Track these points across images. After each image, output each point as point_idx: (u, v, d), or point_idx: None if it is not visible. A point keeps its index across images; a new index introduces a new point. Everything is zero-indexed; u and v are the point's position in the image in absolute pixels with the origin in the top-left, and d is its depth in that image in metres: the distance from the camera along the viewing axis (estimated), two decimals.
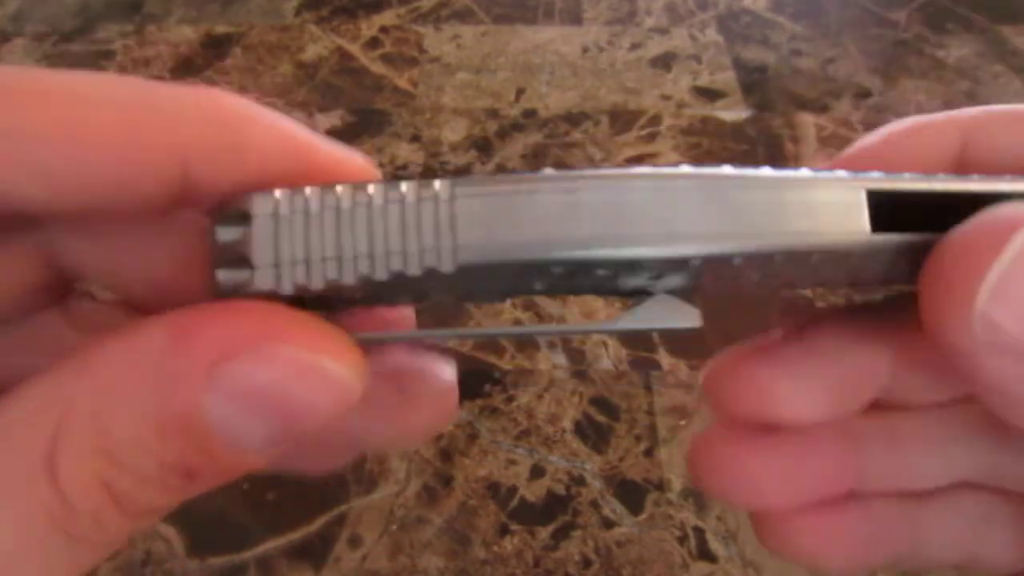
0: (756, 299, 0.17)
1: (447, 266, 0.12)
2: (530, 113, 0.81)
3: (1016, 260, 0.11)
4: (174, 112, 0.12)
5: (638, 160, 0.76)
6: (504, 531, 0.51)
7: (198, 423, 0.11)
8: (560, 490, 0.53)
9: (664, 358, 0.60)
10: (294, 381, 0.11)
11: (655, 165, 0.13)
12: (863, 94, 0.84)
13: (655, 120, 0.81)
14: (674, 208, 0.12)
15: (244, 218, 0.12)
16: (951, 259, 0.12)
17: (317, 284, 0.12)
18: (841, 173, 0.13)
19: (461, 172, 0.75)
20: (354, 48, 0.90)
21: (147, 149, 0.12)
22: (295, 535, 0.51)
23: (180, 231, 0.14)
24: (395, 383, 0.15)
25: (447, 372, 0.15)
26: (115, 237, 0.14)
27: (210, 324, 0.11)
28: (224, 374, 0.11)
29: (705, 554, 0.50)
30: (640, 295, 0.13)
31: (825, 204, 0.12)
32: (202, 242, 0.13)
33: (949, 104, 0.83)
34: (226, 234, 0.12)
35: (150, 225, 0.14)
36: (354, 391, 0.12)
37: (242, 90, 0.86)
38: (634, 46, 0.90)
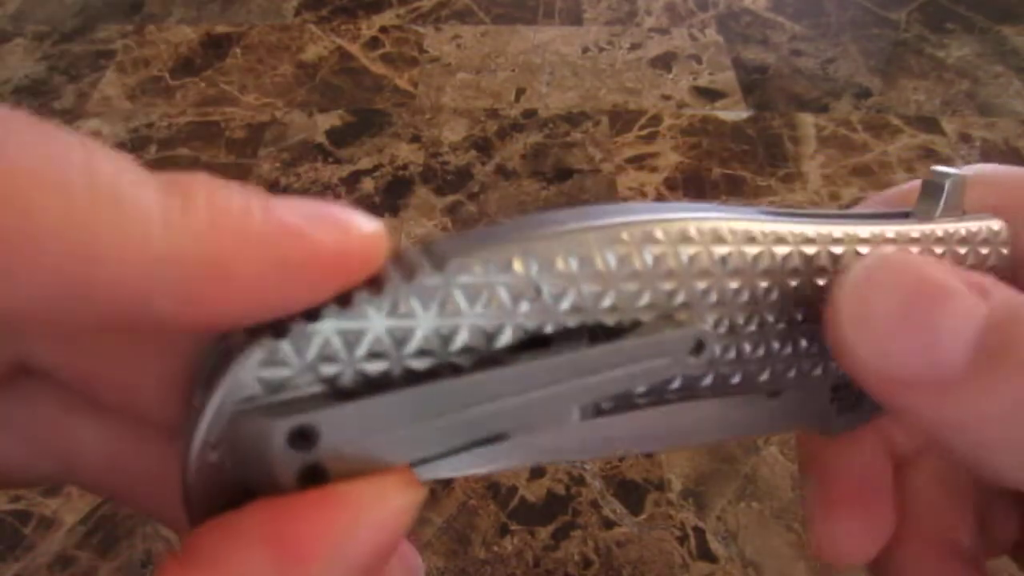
0: None
1: None
2: (530, 113, 0.81)
3: (853, 289, 0.14)
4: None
5: (638, 159, 0.76)
6: (504, 531, 0.51)
7: None
8: (560, 490, 0.53)
9: None
10: (391, 527, 0.12)
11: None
12: (863, 94, 0.84)
13: (655, 120, 0.81)
14: None
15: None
16: (829, 314, 0.15)
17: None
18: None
19: (461, 172, 0.75)
20: (354, 48, 0.90)
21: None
22: None
23: (171, 345, 0.14)
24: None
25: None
26: (100, 348, 0.14)
27: (306, 521, 0.11)
28: (335, 560, 0.11)
29: (705, 554, 0.50)
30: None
31: None
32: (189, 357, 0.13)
33: (949, 104, 0.83)
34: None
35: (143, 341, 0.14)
36: (420, 501, 0.13)
37: (242, 90, 0.85)
38: (634, 46, 0.90)
